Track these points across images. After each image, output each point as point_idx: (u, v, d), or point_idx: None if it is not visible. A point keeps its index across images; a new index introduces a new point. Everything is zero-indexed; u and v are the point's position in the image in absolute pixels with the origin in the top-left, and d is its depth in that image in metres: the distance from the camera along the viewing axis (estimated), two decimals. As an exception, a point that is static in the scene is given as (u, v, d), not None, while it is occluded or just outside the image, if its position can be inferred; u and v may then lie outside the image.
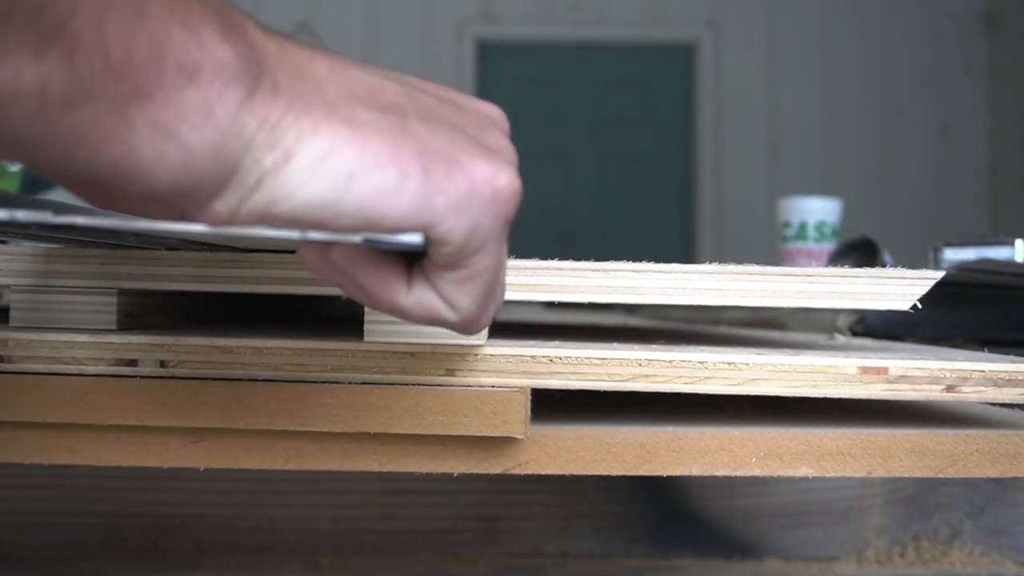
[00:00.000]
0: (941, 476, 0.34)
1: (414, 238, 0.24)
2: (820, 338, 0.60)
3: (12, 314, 0.35)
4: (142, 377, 0.33)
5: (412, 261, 0.26)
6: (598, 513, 0.62)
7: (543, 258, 0.35)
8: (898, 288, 0.35)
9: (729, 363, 0.34)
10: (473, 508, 0.62)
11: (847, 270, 0.35)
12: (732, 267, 0.35)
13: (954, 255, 0.80)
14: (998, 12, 3.76)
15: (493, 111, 0.29)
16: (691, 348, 0.36)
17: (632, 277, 0.35)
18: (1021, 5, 3.62)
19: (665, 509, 0.63)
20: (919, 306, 0.35)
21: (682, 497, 0.63)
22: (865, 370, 0.34)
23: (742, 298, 0.35)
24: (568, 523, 0.62)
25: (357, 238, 0.23)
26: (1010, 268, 0.70)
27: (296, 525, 0.62)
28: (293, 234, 0.23)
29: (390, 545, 0.62)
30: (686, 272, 0.35)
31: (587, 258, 0.35)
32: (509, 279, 0.35)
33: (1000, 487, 0.63)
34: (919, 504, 0.63)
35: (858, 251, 1.05)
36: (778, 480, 0.63)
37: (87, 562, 0.60)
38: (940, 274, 0.35)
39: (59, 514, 0.61)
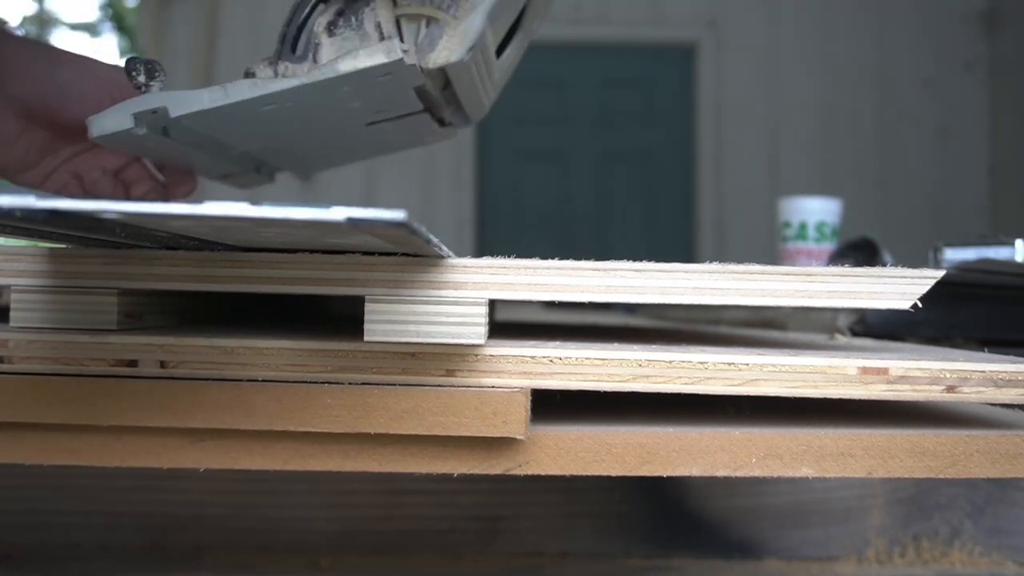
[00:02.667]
0: (941, 477, 0.34)
1: (398, 215, 0.24)
2: (820, 338, 0.60)
3: (12, 314, 0.35)
4: (142, 378, 0.33)
5: None
6: (598, 513, 0.62)
7: (543, 258, 0.35)
8: (898, 287, 0.35)
9: (729, 363, 0.34)
10: (473, 508, 0.62)
11: (847, 269, 0.35)
12: (733, 266, 0.35)
13: (954, 255, 0.80)
14: (998, 12, 3.76)
15: None
16: (691, 348, 0.36)
17: (633, 277, 0.35)
18: (1021, 5, 3.61)
19: (665, 509, 0.63)
20: (919, 305, 0.35)
21: (682, 497, 0.63)
22: (865, 370, 0.34)
23: (743, 297, 0.35)
24: (568, 523, 0.62)
25: (341, 218, 0.23)
26: (1010, 268, 0.70)
27: (296, 525, 0.62)
28: (267, 211, 0.23)
29: (390, 545, 0.62)
30: (687, 272, 0.35)
31: (587, 258, 0.35)
32: (510, 279, 0.35)
33: (1000, 487, 0.63)
34: (919, 504, 0.63)
35: (858, 251, 1.05)
36: (778, 480, 0.63)
37: (87, 562, 0.60)
38: (940, 273, 0.34)
39: (59, 514, 0.61)
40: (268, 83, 0.48)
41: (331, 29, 0.49)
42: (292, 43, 0.49)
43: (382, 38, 0.48)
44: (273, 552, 0.62)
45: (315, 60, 0.48)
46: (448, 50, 0.48)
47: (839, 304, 0.35)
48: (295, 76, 0.48)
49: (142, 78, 0.50)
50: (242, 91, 0.49)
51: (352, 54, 0.47)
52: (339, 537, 0.62)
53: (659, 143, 3.87)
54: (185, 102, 0.49)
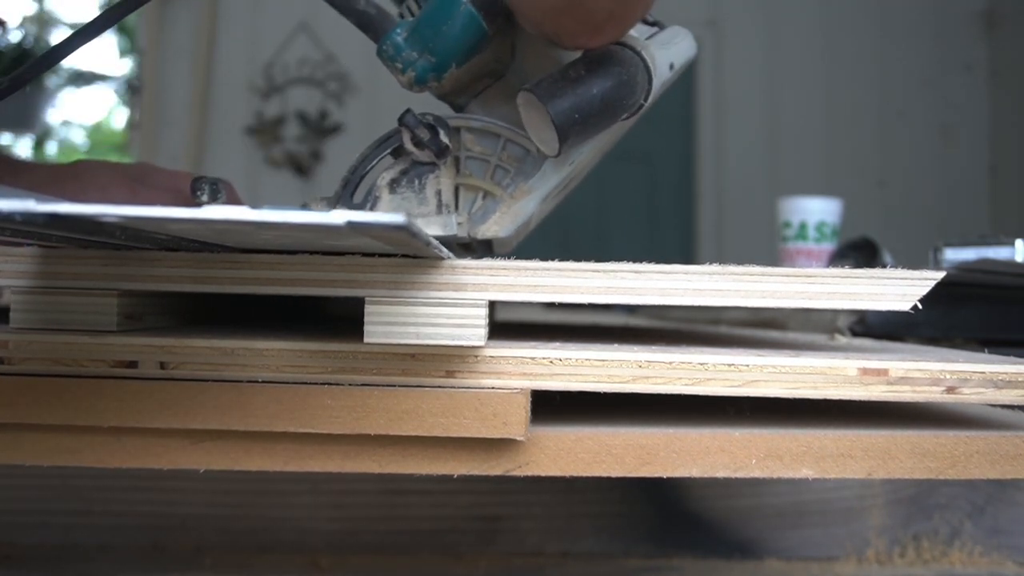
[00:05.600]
0: (941, 478, 0.34)
1: (398, 218, 0.24)
2: (820, 338, 0.60)
3: (12, 315, 0.35)
4: (142, 379, 0.33)
5: None
6: (598, 513, 0.62)
7: (543, 259, 0.35)
8: (898, 288, 0.35)
9: (730, 364, 0.34)
10: (473, 508, 0.62)
11: (847, 271, 0.35)
12: (733, 268, 0.35)
13: (954, 255, 0.80)
14: (998, 12, 3.76)
15: None
16: (691, 349, 0.36)
17: (633, 278, 0.35)
18: (1021, 5, 3.62)
19: (665, 509, 0.63)
20: (920, 307, 0.35)
21: (682, 497, 0.63)
22: (865, 372, 0.34)
23: (743, 299, 0.35)
24: (568, 523, 0.62)
25: (341, 222, 0.23)
26: (1010, 268, 0.70)
27: (296, 525, 0.62)
28: (267, 215, 0.23)
29: (390, 545, 0.62)
30: (687, 273, 0.35)
31: (587, 258, 0.35)
32: (510, 280, 0.35)
33: (1000, 487, 0.63)
34: (919, 504, 0.63)
35: (858, 251, 1.05)
36: (778, 480, 0.63)
37: (87, 562, 0.60)
38: (940, 275, 0.34)
39: (59, 514, 0.61)
40: (224, 207, 0.51)
41: (393, 186, 0.50)
42: (352, 190, 0.51)
43: (439, 205, 0.50)
44: (273, 552, 0.62)
45: (371, 211, 0.49)
46: (498, 225, 0.50)
47: (839, 306, 0.35)
48: None
49: (205, 198, 0.53)
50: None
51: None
52: (339, 537, 0.62)
53: (659, 143, 3.87)
54: None
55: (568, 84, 0.45)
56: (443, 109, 0.53)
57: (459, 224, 0.49)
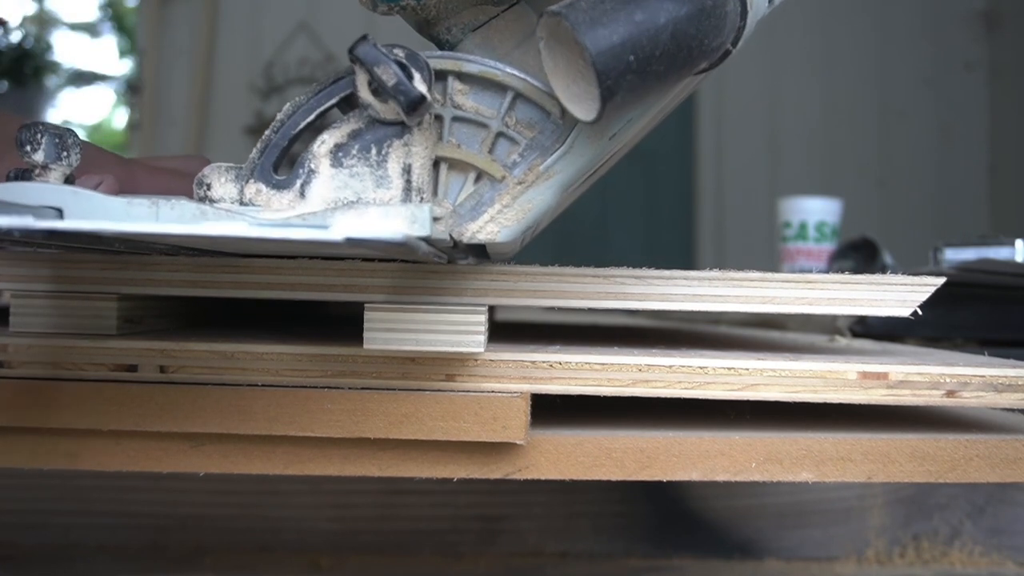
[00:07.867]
0: (941, 481, 0.34)
1: (395, 235, 0.24)
2: (820, 339, 0.60)
3: (12, 319, 0.35)
4: (142, 382, 0.33)
5: None
6: (598, 513, 0.63)
7: (543, 262, 0.35)
8: (898, 295, 0.35)
9: (729, 368, 0.34)
10: (473, 508, 0.62)
11: (847, 276, 0.35)
12: (732, 273, 0.35)
13: (954, 255, 0.80)
14: (998, 12, 3.76)
15: None
16: (691, 353, 0.36)
17: (633, 283, 0.35)
18: (1021, 5, 3.61)
19: (665, 509, 0.63)
20: (919, 313, 0.35)
21: (682, 497, 0.63)
22: (865, 375, 0.34)
23: (742, 304, 0.35)
24: (568, 523, 0.62)
25: (340, 238, 0.23)
26: (1010, 268, 0.70)
27: (296, 525, 0.62)
28: (266, 231, 0.23)
29: (390, 545, 0.62)
30: (687, 278, 0.35)
31: (587, 259, 0.35)
32: (509, 285, 0.35)
33: (1000, 487, 0.63)
34: (919, 504, 0.63)
35: (858, 251, 1.05)
36: (778, 480, 0.63)
37: (87, 562, 0.60)
38: (941, 281, 0.35)
39: (59, 514, 0.61)
40: (221, 221, 0.29)
41: (337, 155, 0.33)
42: (276, 159, 0.34)
43: (407, 187, 0.33)
44: (273, 552, 0.62)
45: (303, 194, 0.33)
46: (497, 224, 0.34)
47: (839, 311, 0.35)
48: (268, 209, 0.33)
49: (40, 156, 0.33)
50: (180, 215, 0.30)
51: (358, 208, 0.29)
52: (339, 537, 0.62)
53: (659, 143, 3.87)
54: (91, 211, 0.29)
55: (619, 6, 0.29)
56: (422, 46, 0.36)
57: (436, 219, 0.34)
